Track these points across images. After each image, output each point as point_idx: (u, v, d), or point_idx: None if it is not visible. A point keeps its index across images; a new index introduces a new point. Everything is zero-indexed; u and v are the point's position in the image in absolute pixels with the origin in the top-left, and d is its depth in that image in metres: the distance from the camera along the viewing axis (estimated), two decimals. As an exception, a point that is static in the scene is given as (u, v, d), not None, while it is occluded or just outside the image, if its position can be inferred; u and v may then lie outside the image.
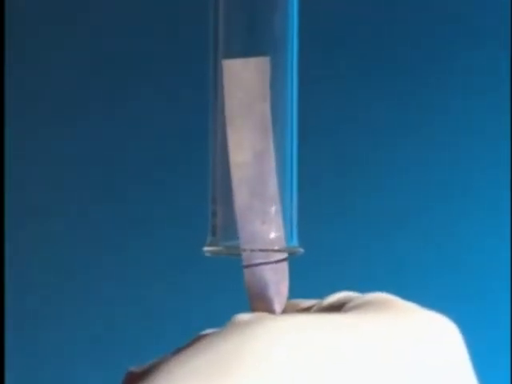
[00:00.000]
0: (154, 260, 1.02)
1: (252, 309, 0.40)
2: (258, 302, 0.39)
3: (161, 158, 1.04)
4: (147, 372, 0.33)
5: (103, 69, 1.05)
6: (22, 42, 1.04)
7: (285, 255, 0.40)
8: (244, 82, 0.39)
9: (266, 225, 0.39)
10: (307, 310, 0.39)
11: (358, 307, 0.36)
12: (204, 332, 0.36)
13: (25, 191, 1.04)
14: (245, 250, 0.39)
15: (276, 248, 0.39)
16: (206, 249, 0.40)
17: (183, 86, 1.03)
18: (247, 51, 0.40)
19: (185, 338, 0.36)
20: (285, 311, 0.40)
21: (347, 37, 1.03)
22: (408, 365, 0.33)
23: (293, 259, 0.40)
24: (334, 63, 1.02)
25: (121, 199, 1.04)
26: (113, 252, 1.03)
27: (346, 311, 0.36)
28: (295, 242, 0.41)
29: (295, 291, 0.41)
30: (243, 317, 0.35)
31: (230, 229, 0.40)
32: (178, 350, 0.34)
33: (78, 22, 1.05)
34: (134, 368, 0.36)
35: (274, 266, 0.39)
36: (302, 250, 0.40)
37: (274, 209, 0.40)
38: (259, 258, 0.39)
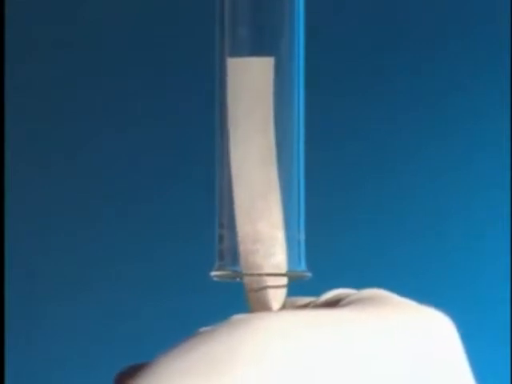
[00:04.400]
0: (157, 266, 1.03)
1: (251, 310, 0.39)
2: (256, 303, 0.39)
3: (164, 171, 1.04)
4: (138, 370, 0.32)
5: (106, 70, 1.05)
6: (21, 41, 1.04)
7: (291, 278, 0.40)
8: (247, 81, 0.39)
9: (273, 248, 0.39)
10: (304, 307, 0.40)
11: (353, 303, 0.36)
12: (200, 330, 0.35)
13: (25, 193, 1.04)
14: (252, 275, 0.39)
15: (283, 272, 0.39)
16: (213, 273, 0.40)
17: (188, 90, 1.03)
18: (253, 51, 0.40)
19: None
20: (282, 309, 0.40)
21: (355, 41, 1.03)
22: (403, 359, 0.33)
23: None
24: (344, 66, 1.03)
25: (123, 209, 1.04)
26: (117, 257, 1.03)
27: (341, 307, 0.36)
28: (303, 266, 0.40)
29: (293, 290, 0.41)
30: (240, 316, 0.35)
31: (237, 253, 0.39)
32: (174, 347, 0.33)
33: (78, 22, 1.05)
34: (125, 367, 0.36)
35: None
36: (309, 275, 0.40)
37: (279, 230, 0.40)
38: (265, 282, 0.39)
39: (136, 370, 0.33)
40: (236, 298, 0.41)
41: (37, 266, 1.03)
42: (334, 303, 0.37)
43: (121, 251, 1.03)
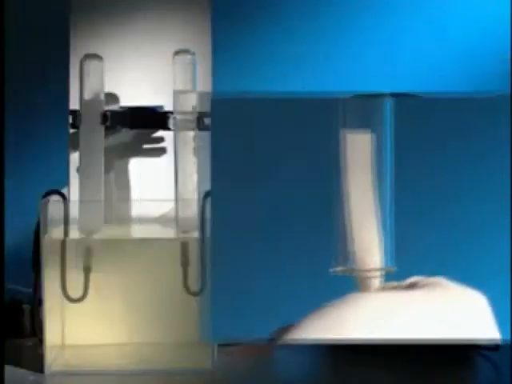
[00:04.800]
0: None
1: (360, 291, 0.61)
2: (363, 287, 0.61)
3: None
4: (289, 327, 0.56)
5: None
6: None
7: (385, 272, 0.62)
8: (355, 151, 0.61)
9: (373, 251, 0.61)
10: (393, 289, 0.61)
11: (424, 286, 0.59)
12: (324, 304, 0.58)
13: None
14: (361, 270, 0.61)
15: (379, 268, 0.61)
16: (334, 270, 0.61)
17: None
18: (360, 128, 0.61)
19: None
20: (379, 291, 0.61)
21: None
22: (457, 328, 0.56)
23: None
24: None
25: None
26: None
27: (417, 288, 0.59)
28: (394, 263, 0.62)
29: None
30: (351, 295, 0.58)
31: (350, 256, 0.61)
32: (309, 315, 0.56)
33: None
34: (280, 326, 0.57)
35: None
36: (395, 269, 0.62)
37: (377, 239, 0.61)
38: (369, 274, 0.61)
39: (288, 327, 0.56)
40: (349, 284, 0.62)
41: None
42: (412, 286, 0.60)
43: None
